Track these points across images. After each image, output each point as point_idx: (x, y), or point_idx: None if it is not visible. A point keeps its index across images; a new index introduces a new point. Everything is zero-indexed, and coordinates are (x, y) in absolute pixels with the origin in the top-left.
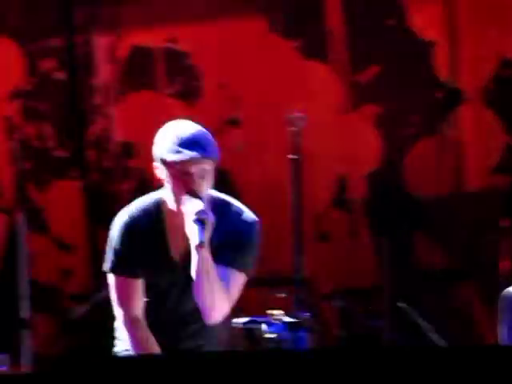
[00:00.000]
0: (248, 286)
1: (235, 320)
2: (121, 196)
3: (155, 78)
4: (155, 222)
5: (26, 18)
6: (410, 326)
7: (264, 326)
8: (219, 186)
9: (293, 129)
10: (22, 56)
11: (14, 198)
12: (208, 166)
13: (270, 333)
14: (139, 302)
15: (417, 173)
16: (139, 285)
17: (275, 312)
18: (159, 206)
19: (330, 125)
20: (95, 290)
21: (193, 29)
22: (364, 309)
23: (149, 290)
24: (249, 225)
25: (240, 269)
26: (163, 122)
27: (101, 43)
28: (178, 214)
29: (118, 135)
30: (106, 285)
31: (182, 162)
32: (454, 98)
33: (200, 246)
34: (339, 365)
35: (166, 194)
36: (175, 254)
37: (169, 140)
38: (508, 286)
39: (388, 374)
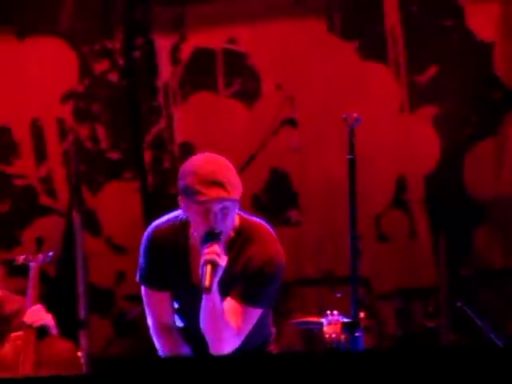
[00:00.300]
0: (306, 285)
1: (293, 320)
2: None
3: (215, 79)
4: (180, 243)
5: (79, 19)
6: (468, 325)
7: (322, 327)
8: (278, 187)
9: (348, 129)
10: (76, 58)
11: (67, 200)
12: (230, 204)
13: (327, 333)
14: (168, 312)
15: (476, 173)
16: (167, 296)
17: (333, 312)
18: (185, 227)
19: (388, 125)
20: None
21: (251, 29)
22: (422, 308)
23: (176, 300)
24: (270, 263)
25: (253, 305)
26: (223, 123)
27: (163, 44)
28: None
29: (179, 136)
30: None
31: (203, 202)
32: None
33: (206, 291)
34: (396, 365)
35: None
36: (195, 276)
37: (191, 178)
38: None
39: (446, 374)
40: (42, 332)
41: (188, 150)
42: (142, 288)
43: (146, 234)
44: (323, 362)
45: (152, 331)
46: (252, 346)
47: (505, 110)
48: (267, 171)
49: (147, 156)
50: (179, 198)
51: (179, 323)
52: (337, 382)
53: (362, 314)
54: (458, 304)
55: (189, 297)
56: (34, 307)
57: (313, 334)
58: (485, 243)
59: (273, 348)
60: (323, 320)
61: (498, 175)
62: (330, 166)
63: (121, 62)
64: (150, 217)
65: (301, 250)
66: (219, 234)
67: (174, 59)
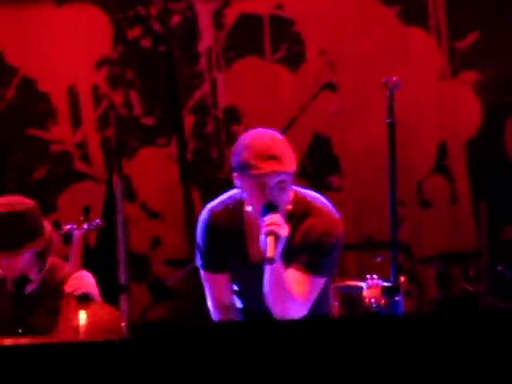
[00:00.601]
0: (346, 250)
1: (333, 284)
2: (224, 161)
3: (261, 45)
4: (236, 223)
5: None
6: (509, 289)
7: (362, 291)
8: (319, 152)
9: (388, 92)
10: (110, 24)
11: (104, 166)
12: (285, 177)
13: (367, 297)
14: (228, 294)
15: None
16: (226, 278)
17: (373, 276)
18: (240, 207)
19: (429, 91)
20: (188, 258)
21: None
22: (462, 273)
23: (235, 282)
24: (328, 233)
25: (317, 274)
26: (267, 88)
27: (205, 9)
28: (257, 218)
29: (223, 101)
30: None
31: (260, 176)
32: None
33: (269, 262)
34: (437, 330)
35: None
36: (253, 256)
37: (246, 153)
38: None
39: (486, 338)
40: (84, 299)
41: (232, 115)
42: (202, 272)
43: (202, 218)
44: (364, 327)
45: (213, 314)
46: None
47: None
48: (309, 136)
49: (189, 121)
50: (234, 174)
51: (239, 305)
52: (377, 346)
53: (402, 279)
54: (499, 268)
55: (247, 277)
56: (75, 275)
57: (353, 298)
58: None
59: None
60: (363, 284)
61: None
62: (370, 131)
63: (156, 27)
64: (186, 183)
65: (341, 215)
66: (277, 206)
67: (218, 24)
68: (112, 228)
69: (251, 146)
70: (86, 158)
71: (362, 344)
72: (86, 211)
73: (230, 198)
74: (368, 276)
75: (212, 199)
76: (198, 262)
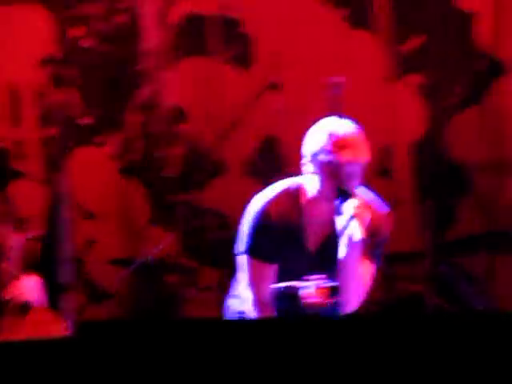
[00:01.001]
0: None
1: (275, 285)
2: (169, 161)
3: (208, 45)
4: (295, 212)
5: None
6: (452, 290)
7: (303, 291)
8: (267, 152)
9: (332, 93)
10: (53, 23)
11: (44, 165)
12: (360, 167)
13: (309, 297)
14: (270, 286)
15: (460, 141)
16: (272, 270)
17: (314, 276)
18: (298, 194)
19: (374, 93)
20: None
21: None
22: (407, 273)
23: (283, 274)
24: (384, 220)
25: (375, 261)
26: (214, 88)
27: (149, 8)
28: (318, 206)
29: (169, 100)
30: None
31: (337, 163)
32: (496, 68)
33: (358, 242)
34: (379, 330)
35: (308, 183)
36: (310, 244)
37: (324, 139)
38: None
39: (429, 339)
40: (24, 308)
41: (178, 114)
42: (245, 260)
43: (255, 204)
44: (308, 328)
45: (251, 304)
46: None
47: (489, 79)
48: (259, 136)
49: (135, 120)
50: (307, 159)
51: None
52: (320, 347)
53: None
54: (442, 268)
55: (302, 263)
56: (15, 282)
57: (293, 297)
58: (469, 210)
59: None
60: (310, 284)
61: (481, 144)
62: None
63: (100, 26)
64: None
65: None
66: (351, 193)
67: (162, 23)
68: (55, 228)
69: (332, 133)
70: (24, 156)
71: (308, 345)
72: (20, 222)
73: (284, 187)
74: (309, 276)
75: (158, 198)
76: (245, 248)
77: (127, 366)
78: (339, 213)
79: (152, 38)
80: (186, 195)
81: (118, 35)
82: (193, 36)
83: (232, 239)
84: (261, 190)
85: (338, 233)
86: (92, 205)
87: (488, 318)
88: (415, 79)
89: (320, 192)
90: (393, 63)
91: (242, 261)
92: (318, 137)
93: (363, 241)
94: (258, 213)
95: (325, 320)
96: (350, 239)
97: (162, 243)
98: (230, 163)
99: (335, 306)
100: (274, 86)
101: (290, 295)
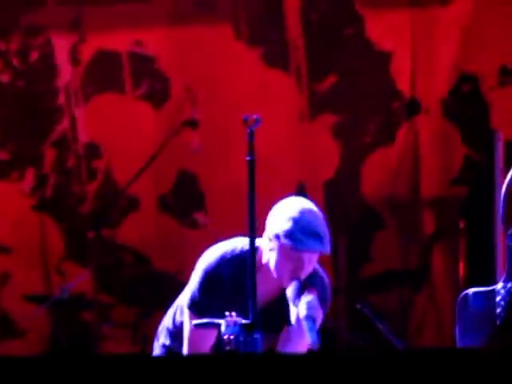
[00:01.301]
0: None
1: (195, 321)
2: (85, 196)
3: (120, 81)
4: (244, 274)
5: None
6: (367, 327)
7: (222, 328)
8: (184, 188)
9: (248, 130)
10: None
11: None
12: (317, 257)
13: (227, 334)
14: (206, 350)
15: (373, 180)
16: (212, 336)
17: (232, 314)
18: (254, 257)
19: (289, 132)
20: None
21: (158, 33)
22: None
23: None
24: (328, 289)
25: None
26: (129, 124)
27: (61, 45)
28: (270, 274)
29: (83, 136)
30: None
31: (298, 251)
32: (411, 108)
33: (313, 346)
34: (293, 367)
35: (264, 248)
36: (263, 302)
37: (291, 224)
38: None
39: (342, 375)
40: None
41: (93, 150)
42: (189, 314)
43: (203, 263)
44: (222, 364)
45: None
46: None
47: (402, 119)
48: (174, 172)
49: (50, 155)
50: (266, 235)
51: None
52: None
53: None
54: (358, 306)
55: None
56: None
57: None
58: (383, 248)
59: None
60: (222, 321)
61: (394, 183)
62: (233, 168)
63: (15, 62)
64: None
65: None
66: (307, 285)
67: (74, 60)
68: None
69: (299, 219)
70: None
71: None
72: None
73: (240, 248)
74: (227, 313)
75: (72, 234)
76: (188, 304)
77: None
78: (294, 305)
79: (65, 74)
80: (100, 231)
81: (33, 71)
82: (105, 72)
83: (147, 276)
84: (174, 226)
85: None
86: (7, 239)
87: (401, 355)
88: (329, 119)
89: (275, 271)
90: (307, 102)
91: (185, 315)
92: (285, 218)
93: (313, 344)
94: (208, 269)
95: (239, 356)
96: (301, 334)
97: (77, 279)
98: (144, 199)
99: (253, 342)
100: (191, 123)
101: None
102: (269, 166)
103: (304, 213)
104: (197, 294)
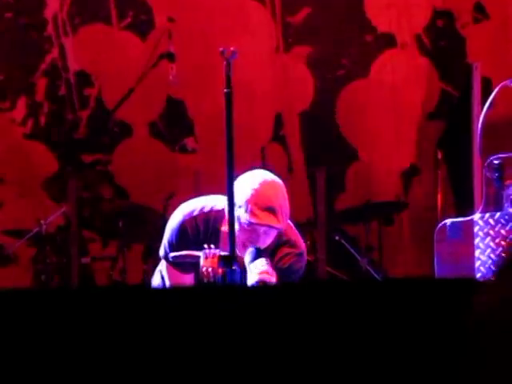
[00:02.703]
0: None
1: (172, 254)
2: (79, 123)
3: (106, 13)
4: (212, 230)
5: None
6: (346, 259)
7: (200, 260)
8: (174, 115)
9: (225, 62)
10: None
11: None
12: (274, 233)
13: (204, 266)
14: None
15: (347, 113)
16: (189, 278)
17: (210, 246)
18: (220, 218)
19: (266, 63)
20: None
21: None
22: None
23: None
24: (299, 260)
25: None
26: (117, 54)
27: None
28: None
29: (73, 65)
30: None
31: (254, 223)
32: (385, 42)
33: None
34: (274, 299)
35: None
36: None
37: (248, 198)
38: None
39: (321, 307)
40: None
41: (84, 78)
42: (166, 267)
43: (179, 220)
44: (200, 296)
45: None
46: None
47: (377, 52)
48: (163, 99)
49: (42, 84)
50: (238, 206)
51: None
52: (213, 316)
53: None
54: (336, 238)
55: None
56: None
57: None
58: (356, 180)
59: None
60: (200, 253)
61: (367, 116)
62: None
63: None
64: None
65: (196, 177)
66: (263, 251)
67: None
68: None
69: (257, 192)
70: None
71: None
72: None
73: (210, 209)
74: (205, 245)
75: (68, 161)
76: (163, 255)
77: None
78: (248, 268)
79: (52, 5)
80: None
81: (21, 3)
82: (92, 4)
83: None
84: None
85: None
86: None
87: (380, 286)
88: (303, 50)
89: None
90: (282, 34)
91: (163, 263)
92: (243, 191)
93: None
94: (178, 224)
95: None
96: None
97: (55, 214)
98: (136, 126)
99: (231, 274)
100: (168, 56)
101: (190, 263)
102: (248, 97)
103: (264, 185)
104: (169, 246)
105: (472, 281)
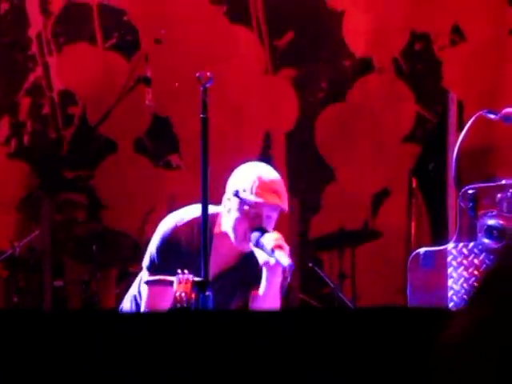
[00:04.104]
0: None
1: (147, 278)
2: (62, 141)
3: (91, 32)
4: (199, 238)
5: None
6: (318, 286)
7: (174, 285)
8: (159, 131)
9: (201, 87)
10: None
11: None
12: (277, 214)
13: (177, 291)
14: (166, 306)
15: (325, 135)
16: (169, 294)
17: (183, 271)
18: (212, 224)
19: (255, 85)
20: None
21: None
22: None
23: None
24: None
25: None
26: (102, 74)
27: None
28: (227, 240)
29: (57, 84)
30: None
31: (260, 205)
32: (362, 67)
33: (291, 266)
34: (244, 325)
35: (224, 216)
36: (215, 269)
37: (252, 180)
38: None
39: (294, 334)
40: None
41: (68, 97)
42: (147, 275)
43: (165, 230)
44: (172, 321)
45: None
46: None
47: (353, 77)
48: (149, 115)
49: (25, 103)
50: (230, 194)
51: None
52: (185, 341)
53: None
54: (310, 265)
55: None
56: None
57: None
58: (334, 204)
59: None
60: (174, 278)
61: (344, 140)
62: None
63: None
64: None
65: (180, 193)
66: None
67: (45, 11)
68: None
69: (260, 176)
70: None
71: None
72: None
73: (196, 215)
74: (179, 270)
75: (49, 178)
76: (147, 266)
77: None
78: (258, 245)
79: (37, 24)
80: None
81: (5, 22)
82: (76, 24)
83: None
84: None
85: (240, 267)
86: None
87: (352, 314)
88: (289, 72)
89: (233, 231)
90: (269, 57)
91: (143, 276)
92: (245, 176)
93: (291, 266)
94: (166, 233)
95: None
96: (278, 265)
97: (29, 236)
98: (120, 142)
99: (204, 300)
100: (144, 80)
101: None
102: (239, 117)
103: (267, 171)
104: (155, 257)
105: (444, 310)
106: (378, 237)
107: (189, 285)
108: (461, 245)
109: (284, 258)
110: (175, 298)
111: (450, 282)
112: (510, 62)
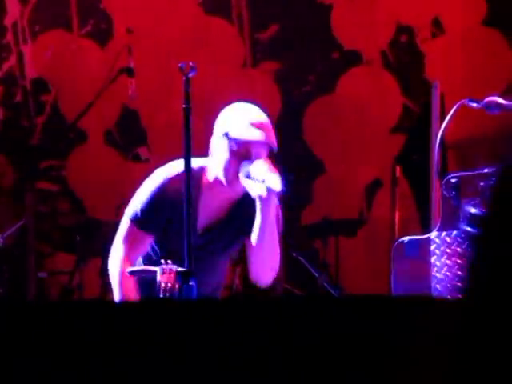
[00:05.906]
0: None
1: (129, 269)
2: (34, 129)
3: (67, 20)
4: (191, 191)
5: None
6: (303, 275)
7: (157, 275)
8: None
9: (184, 77)
10: None
11: None
12: (266, 151)
13: (161, 281)
14: (140, 253)
15: (313, 128)
16: (147, 240)
17: (167, 261)
18: (200, 176)
19: (232, 79)
20: None
21: None
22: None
23: (163, 250)
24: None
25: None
26: (76, 61)
27: None
28: (217, 190)
29: (31, 72)
30: None
31: (249, 143)
32: (350, 59)
33: (279, 193)
34: (234, 315)
35: (212, 166)
36: (199, 225)
37: (239, 119)
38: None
39: (279, 323)
40: None
41: (41, 85)
42: (128, 223)
43: (157, 184)
44: (158, 311)
45: (113, 264)
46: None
47: (341, 69)
48: (118, 108)
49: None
50: (218, 136)
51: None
52: (169, 330)
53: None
54: (294, 254)
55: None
56: None
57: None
58: (322, 195)
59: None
60: (157, 269)
61: (333, 132)
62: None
63: None
64: None
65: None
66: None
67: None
68: None
69: (248, 114)
70: None
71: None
72: None
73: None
74: (162, 260)
75: (22, 166)
76: (131, 215)
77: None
78: (249, 176)
79: (13, 13)
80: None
81: None
82: (53, 11)
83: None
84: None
85: (235, 214)
86: None
87: (336, 302)
88: (271, 66)
89: (224, 172)
90: (250, 50)
91: (124, 224)
92: (233, 116)
93: (284, 192)
94: (155, 187)
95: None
96: (270, 191)
97: (12, 228)
98: (91, 133)
99: (188, 290)
100: (127, 71)
101: (147, 278)
102: (215, 110)
103: (251, 111)
104: (139, 213)
105: (428, 299)
106: (361, 225)
107: (172, 275)
108: (444, 233)
109: (276, 184)
110: (159, 288)
111: (433, 271)
112: (483, 51)
